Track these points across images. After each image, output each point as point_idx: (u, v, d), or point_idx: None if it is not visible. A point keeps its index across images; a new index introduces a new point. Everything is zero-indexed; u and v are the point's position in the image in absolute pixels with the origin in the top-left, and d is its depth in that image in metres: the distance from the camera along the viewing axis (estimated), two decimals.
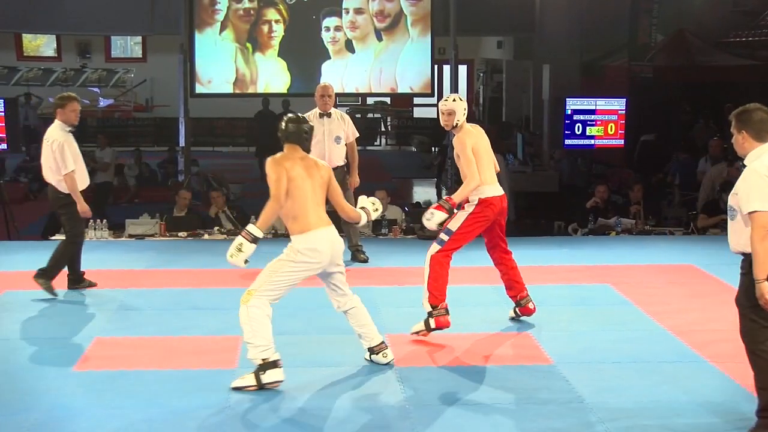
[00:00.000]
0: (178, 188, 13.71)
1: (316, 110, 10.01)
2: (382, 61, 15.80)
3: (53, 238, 11.33)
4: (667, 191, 15.29)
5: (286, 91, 16.45)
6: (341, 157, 10.04)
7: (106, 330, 7.75)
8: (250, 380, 6.31)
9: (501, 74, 26.01)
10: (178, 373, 6.67)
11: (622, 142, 15.07)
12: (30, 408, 6.02)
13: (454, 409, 6.06)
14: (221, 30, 15.63)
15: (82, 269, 9.06)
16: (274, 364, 6.30)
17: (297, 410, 6.03)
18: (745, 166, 5.47)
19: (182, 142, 16.18)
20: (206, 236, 11.88)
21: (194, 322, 7.97)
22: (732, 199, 5.47)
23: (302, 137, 6.54)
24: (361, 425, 5.82)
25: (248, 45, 15.69)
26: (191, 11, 15.52)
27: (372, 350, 6.82)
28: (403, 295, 8.71)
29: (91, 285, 9.03)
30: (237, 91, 16.13)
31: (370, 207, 6.99)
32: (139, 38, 26.43)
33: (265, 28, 15.70)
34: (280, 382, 6.30)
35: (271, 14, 15.69)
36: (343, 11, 15.68)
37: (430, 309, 7.33)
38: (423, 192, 19.48)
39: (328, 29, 15.72)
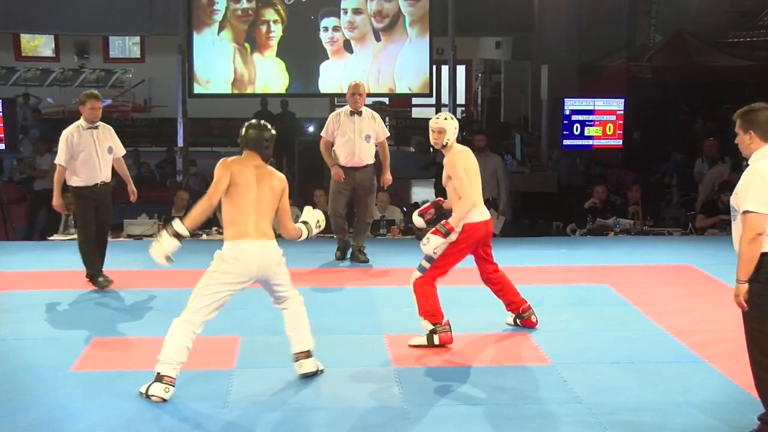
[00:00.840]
0: (177, 188, 13.69)
1: (347, 108, 10.08)
2: (380, 61, 15.79)
3: (51, 238, 11.32)
4: (665, 192, 15.29)
5: (284, 92, 16.44)
6: (370, 155, 10.10)
7: (104, 330, 7.74)
8: (143, 388, 6.17)
9: (499, 74, 25.99)
10: None
11: (620, 142, 15.05)
12: (28, 408, 6.01)
13: (452, 409, 6.05)
14: (219, 30, 15.62)
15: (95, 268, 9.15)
16: (161, 379, 6.09)
17: (295, 410, 6.03)
18: (749, 165, 5.45)
19: (180, 143, 16.17)
20: (204, 236, 11.87)
21: None
22: (733, 199, 5.43)
23: (261, 145, 6.37)
24: (359, 426, 5.82)
25: (246, 45, 15.68)
26: (189, 11, 15.51)
27: (294, 356, 6.60)
28: (401, 296, 8.69)
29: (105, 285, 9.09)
30: (235, 92, 16.12)
31: (313, 222, 6.76)
32: (137, 38, 26.38)
33: (264, 28, 15.69)
34: (164, 400, 6.06)
35: (270, 14, 15.68)
36: (342, 11, 15.67)
37: (432, 327, 7.24)
38: (421, 192, 19.47)
39: (326, 29, 15.71)
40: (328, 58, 15.77)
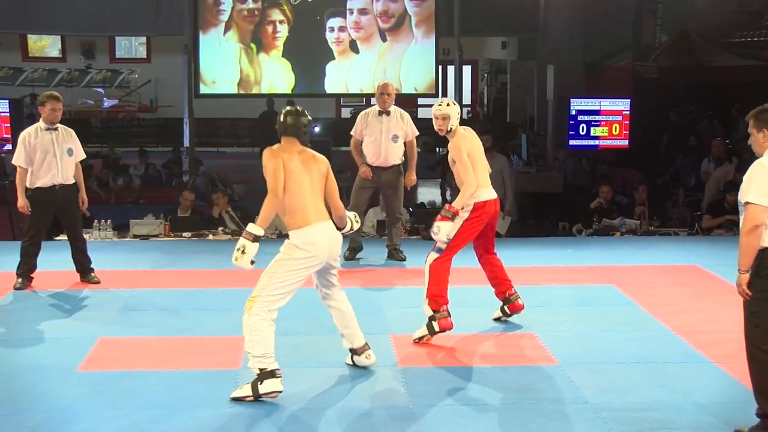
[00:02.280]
0: (183, 189, 13.71)
1: (376, 108, 10.13)
2: (386, 61, 15.80)
3: (57, 238, 11.33)
4: (671, 192, 15.27)
5: (290, 92, 16.45)
6: (398, 155, 10.14)
7: (110, 330, 7.75)
8: (247, 390, 6.14)
9: (505, 75, 25.98)
10: (181, 374, 6.67)
11: (626, 142, 15.05)
12: (33, 408, 6.02)
13: (458, 410, 6.06)
14: (225, 30, 15.64)
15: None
16: (272, 374, 6.10)
17: (301, 410, 6.03)
18: None
19: (186, 143, 16.18)
20: (210, 237, 11.88)
21: (198, 322, 7.97)
22: (739, 193, 5.54)
23: (300, 130, 6.39)
24: (365, 426, 5.82)
25: (252, 45, 15.70)
26: (195, 12, 15.54)
27: (354, 351, 6.72)
28: (407, 296, 8.72)
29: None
30: (241, 92, 16.14)
31: (352, 219, 6.81)
32: (143, 39, 26.43)
33: (270, 28, 15.71)
34: (279, 392, 6.11)
35: (276, 15, 15.70)
36: (348, 12, 15.68)
37: (432, 313, 7.31)
38: (427, 192, 19.45)
39: (332, 30, 15.72)
40: (334, 58, 15.79)
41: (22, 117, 14.75)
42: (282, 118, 6.44)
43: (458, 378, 6.65)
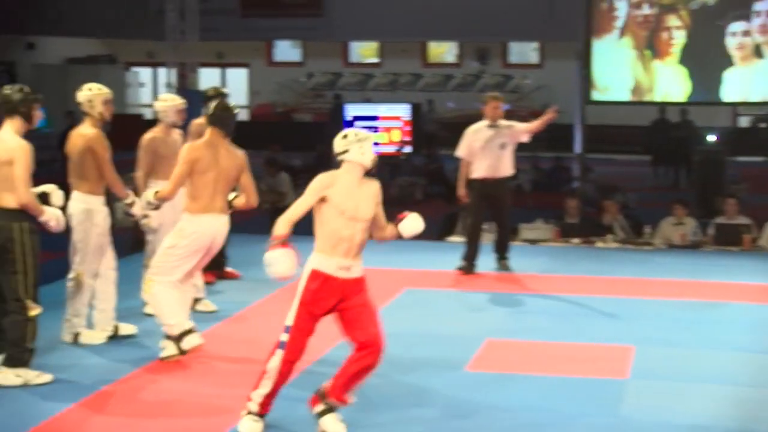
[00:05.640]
0: (569, 195, 13.78)
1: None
2: None
3: (448, 239, 11.73)
4: None
5: (685, 100, 16.00)
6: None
7: (498, 332, 7.88)
8: (172, 350, 6.82)
9: None
10: (566, 380, 6.67)
11: None
12: (425, 403, 6.22)
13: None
14: (620, 36, 15.49)
15: None
16: (189, 332, 6.82)
17: (689, 426, 5.84)
18: None
19: (578, 149, 16.20)
20: (599, 243, 11.82)
21: (585, 328, 7.96)
22: None
23: (226, 121, 6.93)
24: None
25: (647, 52, 15.43)
26: (589, 17, 15.52)
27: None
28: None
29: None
30: (634, 99, 15.92)
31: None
32: (535, 44, 26.81)
33: (665, 34, 15.37)
34: (200, 345, 6.86)
35: (672, 21, 15.34)
36: (754, 14, 14.95)
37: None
38: None
39: (734, 34, 15.07)
40: (732, 64, 15.13)
41: (420, 121, 15.46)
42: (211, 109, 6.99)
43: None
